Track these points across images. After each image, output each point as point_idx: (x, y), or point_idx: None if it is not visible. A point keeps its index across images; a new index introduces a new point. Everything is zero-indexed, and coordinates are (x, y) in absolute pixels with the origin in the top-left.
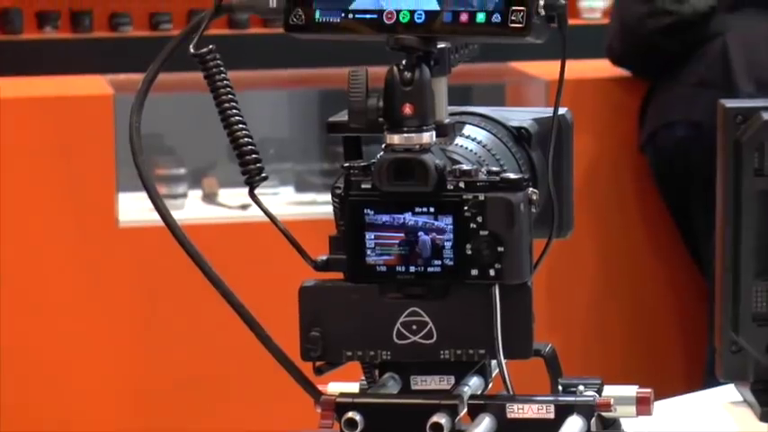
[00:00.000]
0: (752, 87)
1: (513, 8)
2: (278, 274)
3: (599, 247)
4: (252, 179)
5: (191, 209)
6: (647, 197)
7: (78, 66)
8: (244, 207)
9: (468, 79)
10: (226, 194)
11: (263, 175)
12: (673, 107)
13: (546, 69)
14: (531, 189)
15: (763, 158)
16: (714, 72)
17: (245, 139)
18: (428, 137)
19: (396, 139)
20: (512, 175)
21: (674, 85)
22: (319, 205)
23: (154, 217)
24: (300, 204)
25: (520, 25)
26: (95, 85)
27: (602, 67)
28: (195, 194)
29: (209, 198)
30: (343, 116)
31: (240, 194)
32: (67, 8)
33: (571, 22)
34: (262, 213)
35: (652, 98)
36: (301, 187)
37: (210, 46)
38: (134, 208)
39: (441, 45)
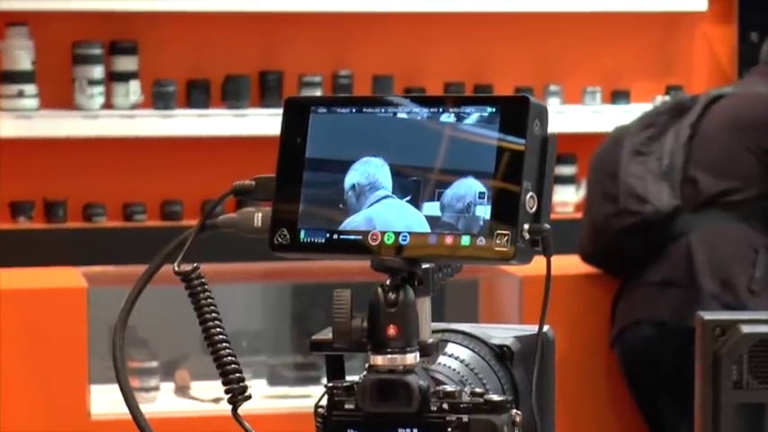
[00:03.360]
0: (716, 287)
1: (498, 232)
2: None
3: None
4: (235, 398)
5: (163, 402)
6: (618, 393)
7: (52, 256)
8: (216, 401)
9: None
10: (198, 387)
11: (247, 394)
12: (638, 306)
13: (520, 266)
14: (514, 411)
15: (741, 371)
16: (679, 272)
17: (229, 358)
18: (412, 358)
19: (380, 360)
20: (495, 397)
21: (641, 284)
22: (292, 399)
23: (126, 409)
24: (273, 398)
25: (504, 249)
26: (69, 277)
27: (573, 264)
28: (168, 387)
29: (182, 391)
30: (326, 334)
31: (213, 387)
32: (41, 198)
33: None
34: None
35: (620, 296)
36: (274, 381)
37: (195, 264)
38: (106, 400)
39: (425, 265)
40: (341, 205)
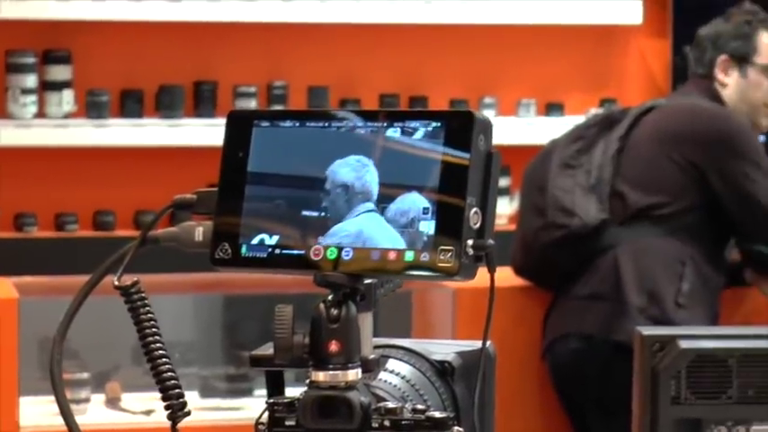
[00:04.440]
0: (643, 301)
1: (442, 247)
2: None
3: None
4: (174, 414)
5: (94, 413)
6: (550, 406)
7: None
8: (147, 413)
9: None
10: (129, 399)
11: (186, 410)
12: (567, 319)
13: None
14: (456, 428)
15: (679, 387)
16: (606, 285)
17: (169, 374)
18: (354, 374)
19: (321, 376)
20: (437, 414)
21: (570, 297)
22: (224, 411)
23: (56, 421)
24: (205, 410)
25: (449, 265)
26: (0, 287)
27: (507, 276)
28: (98, 399)
29: (113, 403)
30: (266, 350)
31: (144, 399)
32: None
33: None
34: (166, 419)
35: (551, 309)
36: (206, 392)
37: (135, 279)
38: (36, 412)
39: (367, 280)
40: (285, 219)
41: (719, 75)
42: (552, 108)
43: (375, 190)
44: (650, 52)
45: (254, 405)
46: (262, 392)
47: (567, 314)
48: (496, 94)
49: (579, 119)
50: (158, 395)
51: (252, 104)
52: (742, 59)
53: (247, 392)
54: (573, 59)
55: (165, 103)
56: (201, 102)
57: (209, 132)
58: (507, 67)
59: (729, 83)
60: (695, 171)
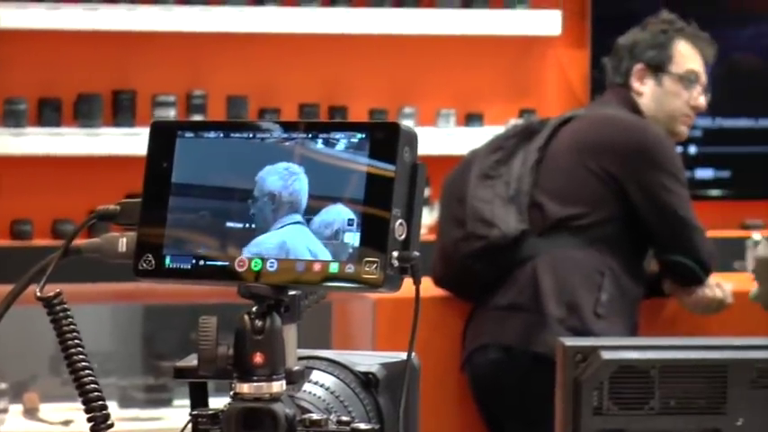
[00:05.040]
0: (562, 311)
1: (367, 259)
2: None
3: None
4: (98, 426)
5: (11, 424)
6: (469, 417)
7: None
8: (66, 423)
9: None
10: (47, 409)
11: (110, 422)
12: (486, 330)
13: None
14: None
15: (602, 397)
16: (525, 296)
17: (92, 386)
18: (278, 386)
19: (246, 388)
20: (361, 426)
21: (489, 308)
22: (143, 421)
23: None
24: (124, 420)
25: (374, 276)
26: None
27: (427, 287)
28: (16, 409)
29: (30, 413)
30: (189, 361)
31: (62, 410)
32: None
33: None
34: (84, 430)
35: (470, 320)
36: (125, 403)
37: (57, 290)
38: None
39: (292, 292)
40: (209, 230)
41: (635, 83)
42: (472, 118)
43: (304, 200)
44: (569, 63)
45: (174, 415)
46: (181, 403)
47: (486, 325)
48: (416, 104)
49: (499, 129)
50: (77, 405)
51: (171, 113)
52: (658, 68)
53: (167, 403)
54: (492, 70)
55: (84, 112)
56: (120, 111)
57: (127, 141)
58: (427, 77)
59: (645, 92)
60: (613, 182)
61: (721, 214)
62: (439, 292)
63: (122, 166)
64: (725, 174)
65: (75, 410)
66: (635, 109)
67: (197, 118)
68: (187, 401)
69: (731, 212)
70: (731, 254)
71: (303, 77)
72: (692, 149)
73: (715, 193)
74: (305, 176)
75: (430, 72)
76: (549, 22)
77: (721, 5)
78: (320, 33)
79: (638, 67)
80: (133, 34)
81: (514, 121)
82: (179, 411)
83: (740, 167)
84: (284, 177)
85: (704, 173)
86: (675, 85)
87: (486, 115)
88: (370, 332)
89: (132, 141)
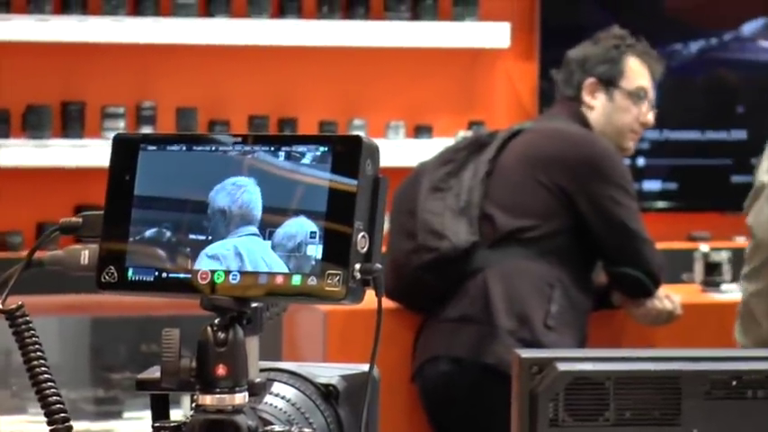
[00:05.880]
0: (513, 323)
1: (330, 272)
2: None
3: None
4: None
5: None
6: (419, 428)
7: None
8: None
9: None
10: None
11: None
12: (436, 342)
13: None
14: None
15: (557, 409)
16: (475, 308)
17: (54, 398)
18: (241, 398)
19: (208, 399)
20: None
21: (440, 320)
22: None
23: None
24: None
25: (336, 289)
26: None
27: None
28: None
29: None
30: (152, 373)
31: (14, 422)
32: None
33: None
34: None
35: (421, 332)
36: (75, 415)
37: (20, 302)
38: None
39: (254, 304)
40: (171, 242)
41: (586, 97)
42: (421, 130)
43: (257, 212)
44: (518, 75)
45: (124, 428)
46: (131, 415)
47: (436, 337)
48: (365, 116)
49: (448, 141)
50: (27, 418)
51: (120, 125)
52: (609, 83)
53: (117, 415)
54: (441, 82)
55: (32, 123)
56: (69, 122)
57: (76, 153)
58: (376, 89)
59: (596, 106)
60: (563, 194)
61: (668, 226)
62: (389, 304)
63: (71, 178)
64: (672, 186)
65: (26, 422)
66: (584, 122)
67: (146, 130)
68: (137, 414)
69: (678, 224)
70: (678, 265)
71: (253, 89)
72: (640, 161)
73: (662, 204)
74: (256, 188)
75: (379, 84)
76: (497, 35)
77: (668, 19)
78: (270, 45)
79: (590, 81)
80: (82, 45)
81: (463, 133)
82: (129, 424)
83: (687, 179)
84: (231, 193)
85: (652, 185)
86: (626, 100)
87: (436, 127)
88: (321, 343)
89: (81, 153)
